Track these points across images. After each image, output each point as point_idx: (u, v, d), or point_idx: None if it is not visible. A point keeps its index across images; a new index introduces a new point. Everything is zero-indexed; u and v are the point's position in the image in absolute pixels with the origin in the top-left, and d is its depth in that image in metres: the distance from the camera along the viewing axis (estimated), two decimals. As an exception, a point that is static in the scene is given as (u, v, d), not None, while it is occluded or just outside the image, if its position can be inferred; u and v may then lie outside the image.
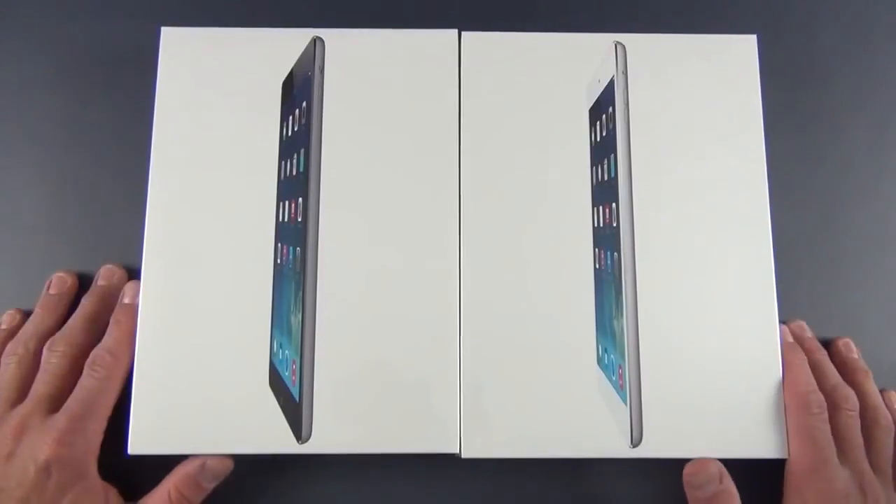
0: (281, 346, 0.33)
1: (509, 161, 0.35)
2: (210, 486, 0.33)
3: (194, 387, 0.32)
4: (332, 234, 0.34)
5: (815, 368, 0.34)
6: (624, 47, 0.36)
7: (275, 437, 0.32)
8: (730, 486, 0.32)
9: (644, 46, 0.36)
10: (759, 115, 0.36)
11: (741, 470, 0.32)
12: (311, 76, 0.35)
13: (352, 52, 0.36)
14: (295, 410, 0.32)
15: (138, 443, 0.32)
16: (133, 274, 0.36)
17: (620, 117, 0.35)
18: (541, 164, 0.35)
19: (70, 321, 0.34)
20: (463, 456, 0.32)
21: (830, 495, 0.32)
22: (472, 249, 0.34)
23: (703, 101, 0.36)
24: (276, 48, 0.36)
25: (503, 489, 0.35)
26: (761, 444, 0.33)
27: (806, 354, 0.35)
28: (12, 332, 0.34)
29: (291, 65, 0.35)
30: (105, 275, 0.35)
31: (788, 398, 0.33)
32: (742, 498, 0.32)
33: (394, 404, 0.33)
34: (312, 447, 0.32)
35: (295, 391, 0.32)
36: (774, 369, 0.33)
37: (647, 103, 0.36)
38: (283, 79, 0.35)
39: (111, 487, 0.32)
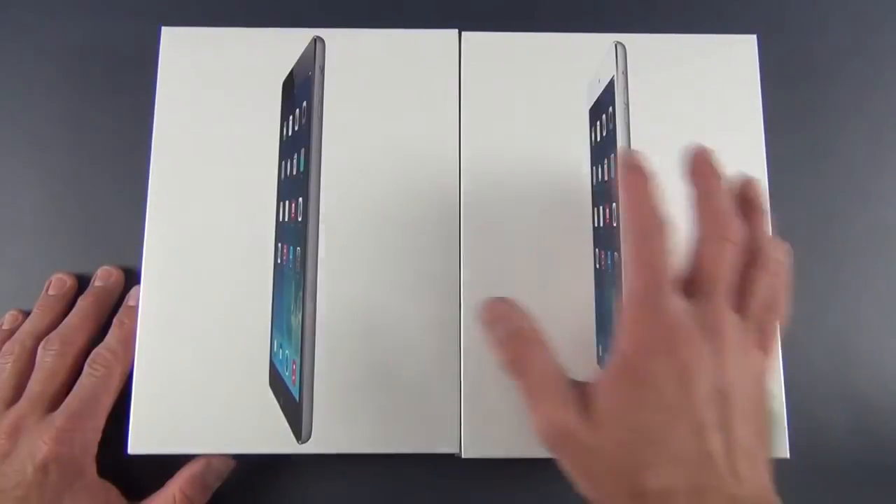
0: (281, 346, 0.33)
1: (509, 161, 0.35)
2: (215, 485, 0.33)
3: (194, 387, 0.32)
4: (332, 234, 0.34)
5: (705, 198, 0.29)
6: (624, 47, 0.36)
7: (275, 437, 0.32)
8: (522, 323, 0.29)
9: (644, 46, 0.36)
10: (760, 115, 0.36)
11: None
12: (311, 76, 0.35)
13: (352, 52, 0.36)
14: (295, 410, 0.32)
15: (138, 442, 0.32)
16: (132, 274, 0.36)
17: (620, 117, 0.35)
18: (541, 164, 0.35)
19: (66, 320, 0.34)
20: (463, 456, 0.32)
21: (658, 324, 0.27)
22: (473, 248, 0.34)
23: (703, 102, 0.36)
24: (276, 48, 0.36)
25: (503, 489, 0.35)
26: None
27: (700, 180, 0.30)
28: (13, 333, 0.34)
29: (291, 65, 0.35)
30: (102, 276, 0.35)
31: (623, 224, 0.29)
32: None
33: (394, 404, 0.33)
34: (312, 447, 0.32)
35: (295, 391, 0.32)
36: (775, 369, 0.33)
37: (647, 103, 0.36)
38: (283, 79, 0.35)
39: (112, 487, 0.32)
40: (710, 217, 0.29)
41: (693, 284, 0.28)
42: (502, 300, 0.30)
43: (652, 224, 0.28)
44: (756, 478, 0.26)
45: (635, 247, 0.28)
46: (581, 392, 0.27)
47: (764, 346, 0.29)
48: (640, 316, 0.27)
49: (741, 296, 0.28)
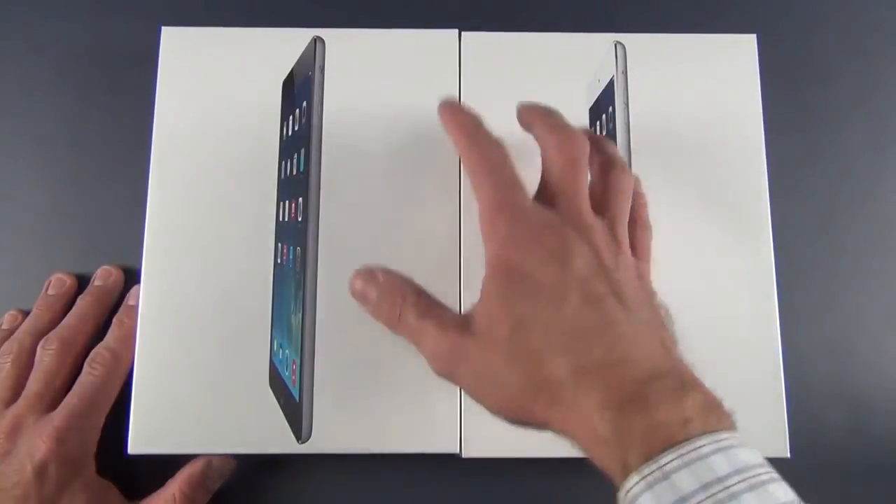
0: (281, 346, 0.33)
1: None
2: (215, 486, 0.33)
3: (194, 387, 0.32)
4: (332, 234, 0.34)
5: (548, 126, 0.29)
6: (624, 47, 0.36)
7: (275, 437, 0.32)
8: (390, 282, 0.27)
9: (644, 46, 0.36)
10: (759, 115, 0.36)
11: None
12: (311, 76, 0.35)
13: (352, 52, 0.36)
14: (295, 410, 0.32)
15: (138, 442, 0.32)
16: (132, 274, 0.36)
17: (620, 117, 0.35)
18: (540, 164, 0.35)
19: (65, 320, 0.34)
20: (463, 456, 0.32)
21: (519, 221, 0.25)
22: (473, 249, 0.34)
23: (703, 101, 0.36)
24: (276, 48, 0.36)
25: (503, 489, 0.35)
26: (762, 442, 0.33)
27: (538, 116, 0.30)
28: (13, 332, 0.34)
29: (291, 65, 0.36)
30: (102, 275, 0.35)
31: (459, 151, 0.29)
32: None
33: (394, 404, 0.33)
34: (312, 447, 0.32)
35: (295, 391, 0.32)
36: (775, 369, 0.33)
37: (647, 103, 0.36)
38: (283, 79, 0.35)
39: (111, 486, 0.32)
40: (558, 137, 0.28)
41: (551, 198, 0.27)
42: (361, 269, 0.28)
43: (488, 140, 0.27)
44: (668, 351, 0.25)
45: (478, 160, 0.27)
46: (462, 314, 0.26)
47: (636, 255, 0.29)
48: (499, 219, 0.26)
49: (599, 208, 0.28)
